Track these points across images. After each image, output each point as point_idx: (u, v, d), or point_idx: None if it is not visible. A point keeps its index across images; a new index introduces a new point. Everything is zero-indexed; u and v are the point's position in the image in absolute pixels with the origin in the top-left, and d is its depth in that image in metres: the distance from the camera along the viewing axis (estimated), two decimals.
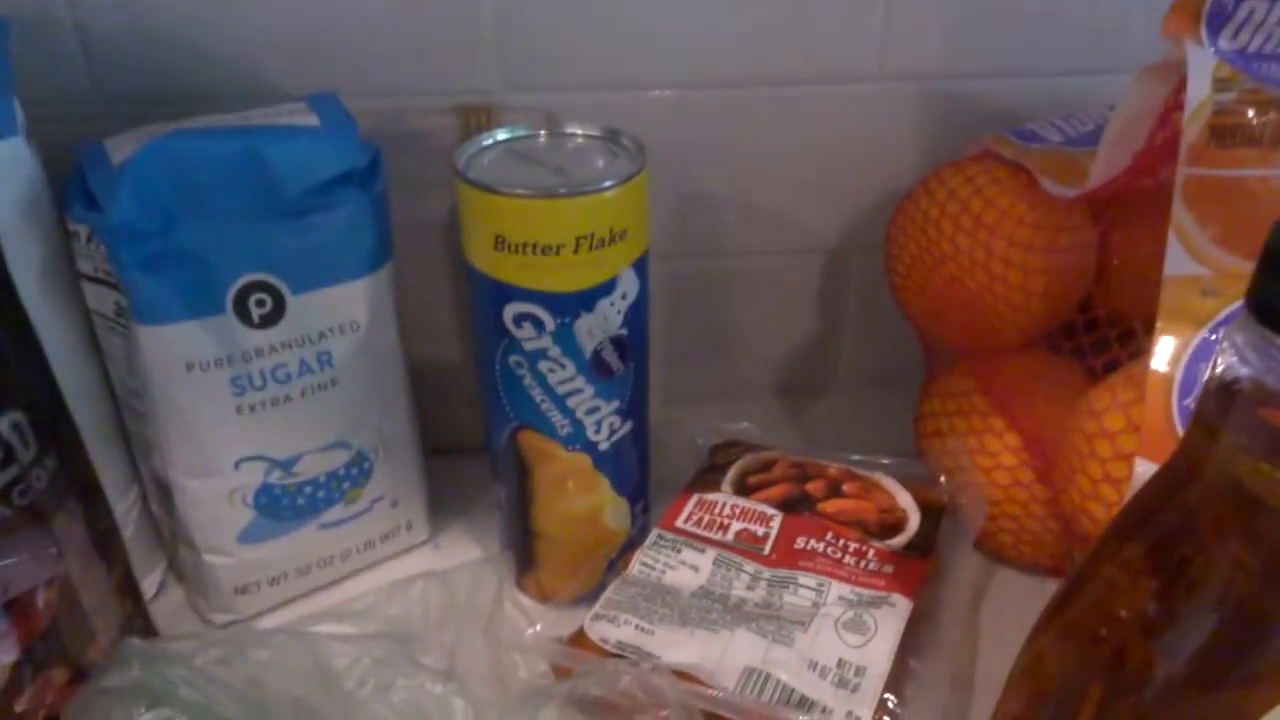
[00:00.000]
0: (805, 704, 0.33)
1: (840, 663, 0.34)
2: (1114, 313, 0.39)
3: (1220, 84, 0.30)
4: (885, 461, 0.45)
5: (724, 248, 0.51)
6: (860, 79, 0.46)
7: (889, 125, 0.47)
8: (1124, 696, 0.27)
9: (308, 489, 0.40)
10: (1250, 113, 0.30)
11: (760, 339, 0.54)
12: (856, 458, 0.45)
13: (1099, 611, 0.27)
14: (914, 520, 0.41)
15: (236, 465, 0.38)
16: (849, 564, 0.39)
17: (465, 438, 0.49)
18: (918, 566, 0.39)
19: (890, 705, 0.33)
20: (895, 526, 0.41)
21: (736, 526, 0.41)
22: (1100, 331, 0.39)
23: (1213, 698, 0.26)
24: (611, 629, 0.36)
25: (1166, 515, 0.26)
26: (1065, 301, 0.40)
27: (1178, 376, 0.33)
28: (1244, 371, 0.23)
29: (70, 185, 0.36)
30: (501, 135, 0.37)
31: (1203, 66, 0.31)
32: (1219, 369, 0.24)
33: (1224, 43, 0.32)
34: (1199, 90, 0.30)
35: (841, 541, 0.40)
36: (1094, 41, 0.46)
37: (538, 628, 0.36)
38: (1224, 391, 0.24)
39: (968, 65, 0.46)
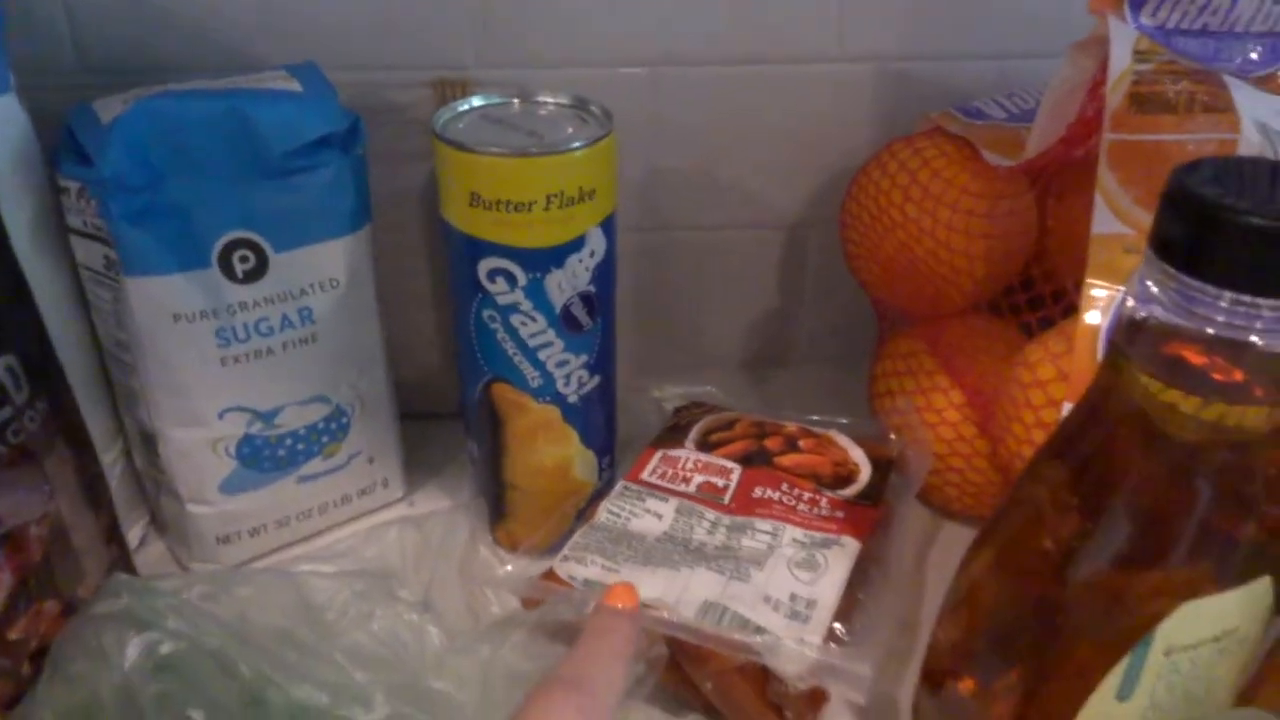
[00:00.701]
0: (759, 632, 0.35)
1: (793, 597, 0.36)
2: (1048, 272, 0.42)
3: (1140, 56, 0.33)
4: (841, 421, 0.47)
5: (690, 221, 0.53)
6: (820, 59, 0.49)
7: (847, 104, 0.50)
8: (1051, 606, 0.29)
9: (288, 441, 0.42)
10: (1167, 82, 0.33)
11: (725, 311, 0.56)
12: (815, 418, 0.48)
13: (1029, 524, 0.30)
14: (865, 472, 0.44)
15: (220, 415, 0.40)
16: (803, 511, 0.41)
17: (439, 403, 0.51)
18: (867, 513, 0.41)
19: (838, 633, 0.35)
20: (847, 478, 0.43)
21: (698, 479, 0.43)
22: (1035, 290, 0.42)
23: (1128, 600, 0.28)
24: (579, 568, 0.38)
25: (1085, 439, 0.29)
26: (1007, 265, 0.43)
27: (1104, 327, 0.35)
28: (1148, 307, 0.26)
29: (60, 143, 0.37)
30: (477, 102, 0.39)
31: (1124, 39, 0.33)
32: (1128, 305, 0.27)
33: (1144, 19, 0.35)
34: (1120, 61, 0.33)
35: (796, 491, 0.42)
36: (1039, 26, 0.49)
37: (509, 568, 0.38)
38: (1132, 326, 0.27)
39: (922, 47, 0.49)
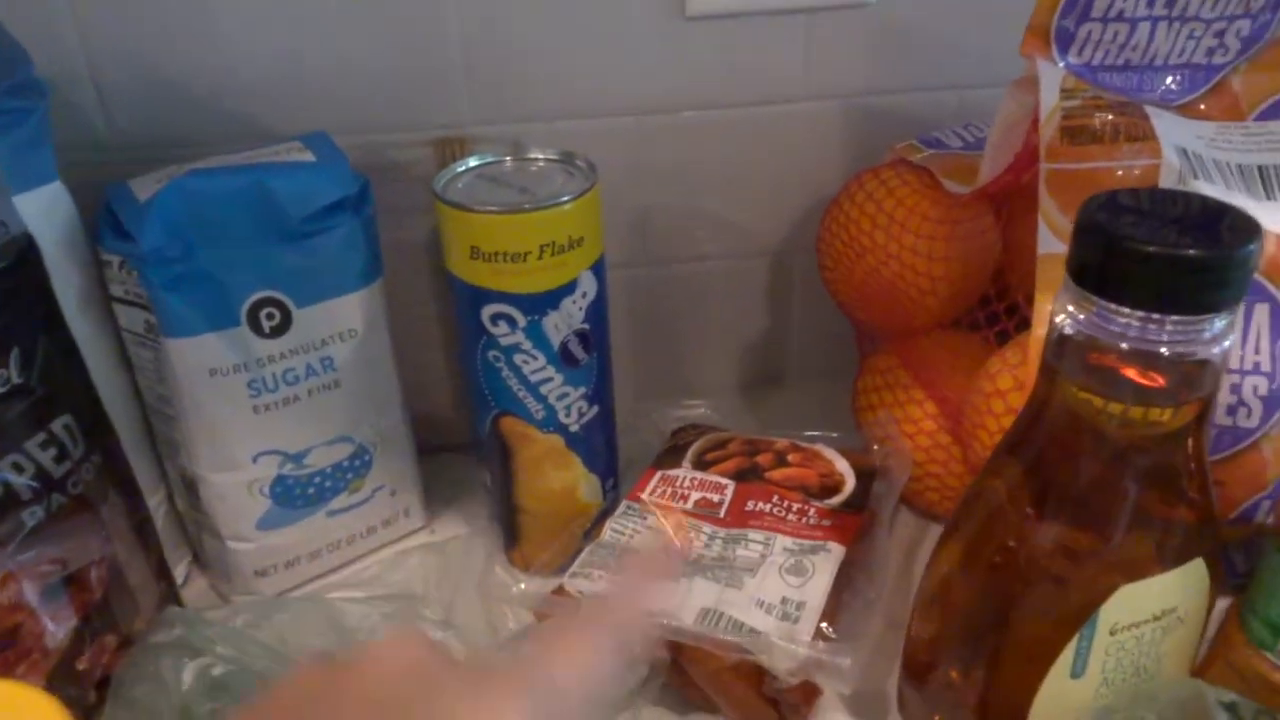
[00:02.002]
0: (753, 634, 0.38)
1: (783, 600, 0.40)
2: (1001, 290, 0.45)
3: (1067, 93, 0.37)
4: (828, 435, 0.51)
5: (679, 254, 0.57)
6: (789, 99, 0.52)
7: (818, 138, 0.54)
8: (1013, 583, 0.32)
9: (316, 479, 0.46)
10: (1093, 115, 0.36)
11: (718, 337, 0.60)
12: (809, 434, 0.51)
13: (989, 518, 0.33)
14: (850, 483, 0.47)
15: (254, 459, 0.44)
16: (792, 520, 0.44)
17: (453, 437, 0.55)
18: (852, 520, 0.44)
19: (825, 631, 0.39)
20: (833, 488, 0.46)
21: (695, 495, 0.46)
22: (997, 305, 0.45)
23: (1075, 584, 0.31)
24: (586, 583, 0.41)
25: (1031, 438, 0.32)
26: (969, 284, 0.46)
27: None
28: (1071, 324, 0.29)
29: (100, 220, 0.41)
30: (473, 162, 0.43)
31: (1051, 80, 0.37)
32: (1055, 323, 0.30)
33: (1072, 58, 0.38)
34: (1049, 99, 0.37)
35: (786, 503, 0.45)
36: (993, 58, 0.52)
37: (523, 586, 0.42)
38: (1059, 341, 0.30)
39: (884, 83, 0.52)
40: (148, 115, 0.48)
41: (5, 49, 0.40)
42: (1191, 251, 0.27)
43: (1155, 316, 0.27)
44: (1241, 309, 0.36)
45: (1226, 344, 0.28)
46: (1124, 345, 0.28)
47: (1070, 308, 0.29)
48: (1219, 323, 0.28)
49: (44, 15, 0.45)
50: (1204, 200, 0.29)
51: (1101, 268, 0.28)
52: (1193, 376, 0.29)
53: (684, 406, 0.57)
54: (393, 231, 0.48)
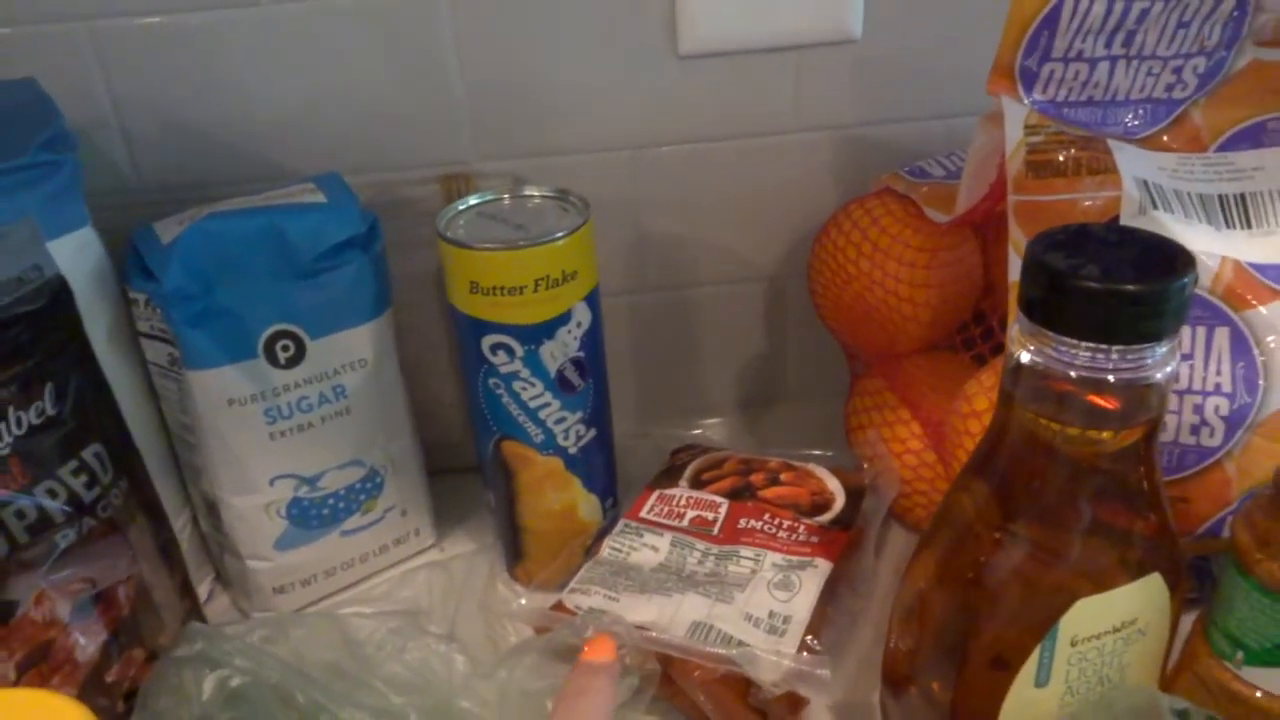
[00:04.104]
0: (741, 647, 0.40)
1: (771, 614, 0.42)
2: (978, 315, 0.47)
3: (1030, 129, 0.38)
4: (820, 453, 0.53)
5: (677, 281, 0.59)
6: (779, 132, 0.54)
7: (808, 169, 0.56)
8: (981, 595, 0.34)
9: (331, 501, 0.48)
10: (1057, 150, 0.38)
11: (715, 359, 0.62)
12: (802, 453, 0.53)
13: (960, 535, 0.35)
14: (840, 500, 0.49)
15: (272, 483, 0.46)
16: (782, 537, 0.46)
17: (461, 459, 0.57)
18: (839, 537, 0.46)
19: (810, 643, 0.40)
20: (824, 506, 0.48)
21: (691, 514, 0.48)
22: (979, 328, 0.47)
23: (1038, 596, 0.33)
24: (584, 598, 0.43)
25: (993, 457, 0.34)
26: (951, 309, 0.48)
27: None
28: (1024, 354, 0.31)
29: (128, 260, 0.44)
30: (473, 200, 0.45)
31: (1016, 116, 0.39)
32: (1010, 352, 0.32)
33: (1037, 95, 0.40)
34: (1014, 135, 0.38)
35: (777, 520, 0.47)
36: (975, 89, 0.54)
37: (523, 601, 0.44)
38: (1015, 369, 0.32)
39: (871, 114, 0.55)
40: (171, 160, 0.51)
41: (39, 105, 0.44)
42: (1130, 286, 0.28)
43: (1101, 346, 0.29)
44: (1204, 334, 0.38)
45: (1170, 368, 0.30)
46: (1073, 373, 0.30)
47: (1023, 339, 0.31)
48: (1161, 349, 0.29)
49: (74, 68, 0.48)
50: (1143, 235, 0.31)
51: (1048, 302, 0.30)
52: (1141, 399, 0.31)
53: (683, 427, 0.59)
54: (403, 263, 0.51)
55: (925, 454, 0.48)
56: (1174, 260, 0.29)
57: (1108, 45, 0.39)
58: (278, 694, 0.37)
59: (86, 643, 0.39)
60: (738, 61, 0.52)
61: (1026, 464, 0.33)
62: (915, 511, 0.50)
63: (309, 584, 0.49)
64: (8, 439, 0.37)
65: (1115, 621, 0.33)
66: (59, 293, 0.39)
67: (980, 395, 0.42)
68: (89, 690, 0.39)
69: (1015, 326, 0.31)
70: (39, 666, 0.38)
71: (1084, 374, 0.30)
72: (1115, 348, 0.29)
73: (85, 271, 0.42)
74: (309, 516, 0.48)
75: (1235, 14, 0.38)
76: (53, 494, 0.38)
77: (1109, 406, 0.31)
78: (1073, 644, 0.33)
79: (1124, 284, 0.28)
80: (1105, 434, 0.31)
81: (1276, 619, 0.32)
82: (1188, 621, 0.37)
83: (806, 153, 0.55)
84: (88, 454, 0.40)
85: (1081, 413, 0.31)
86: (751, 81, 0.53)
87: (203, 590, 0.50)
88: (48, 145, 0.41)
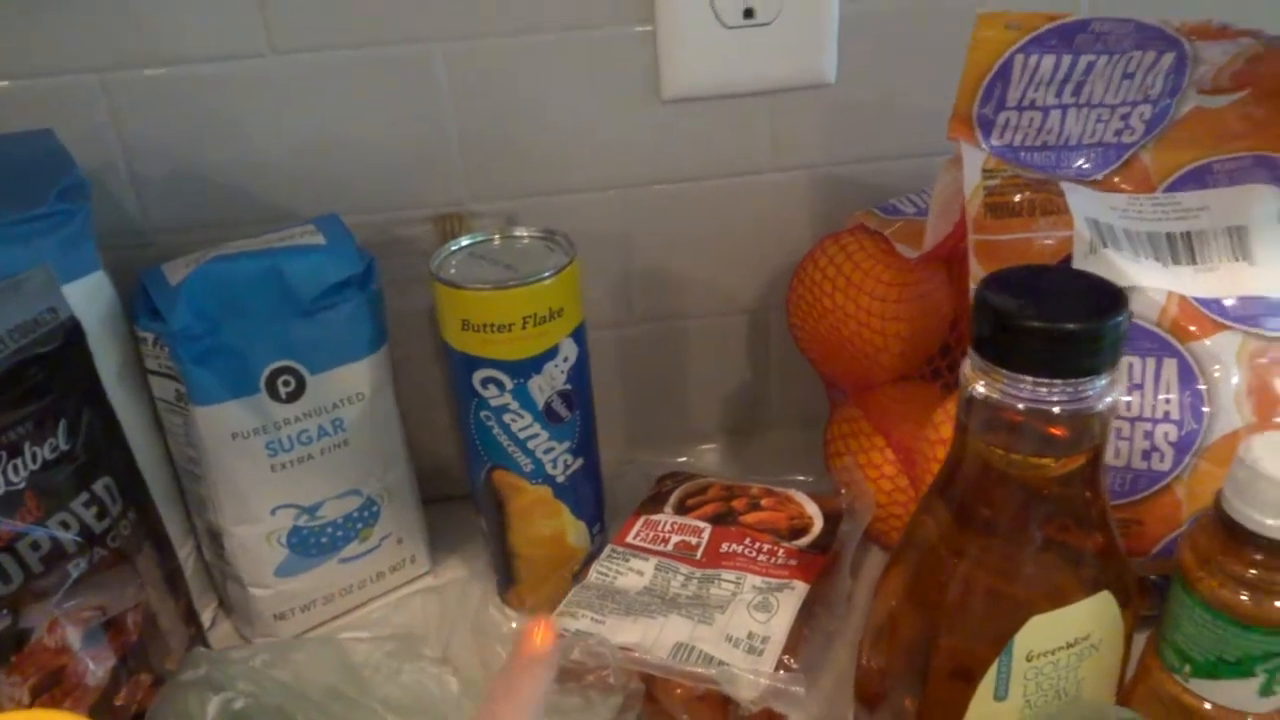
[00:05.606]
0: (721, 666, 0.42)
1: (750, 635, 0.44)
2: (944, 348, 0.49)
3: (988, 173, 0.41)
4: (800, 479, 0.55)
5: (663, 313, 0.61)
6: (757, 171, 0.57)
7: (785, 207, 0.58)
8: (943, 611, 0.36)
9: (329, 529, 0.50)
10: (1012, 192, 0.41)
11: (701, 388, 0.64)
12: (783, 479, 0.55)
13: (924, 554, 0.37)
14: (818, 524, 0.51)
15: (273, 512, 0.48)
16: (762, 561, 0.48)
17: (455, 487, 0.59)
18: (816, 560, 0.48)
19: (787, 662, 0.42)
20: (802, 530, 0.50)
21: (675, 539, 0.50)
22: (935, 364, 0.49)
23: (998, 605, 0.35)
24: (571, 621, 0.45)
25: (953, 482, 0.36)
26: (921, 341, 0.50)
27: None
28: (976, 388, 0.33)
29: (136, 301, 0.47)
30: (465, 242, 0.48)
31: (974, 161, 0.41)
32: (962, 385, 0.34)
33: (994, 140, 0.43)
34: (973, 178, 0.41)
35: (757, 544, 0.49)
36: (944, 129, 0.56)
37: (515, 624, 0.46)
38: (967, 401, 0.34)
39: (843, 154, 0.57)
40: (178, 203, 0.54)
41: (56, 155, 0.46)
42: (1070, 325, 0.31)
43: (1045, 381, 0.32)
44: (1153, 364, 0.40)
45: (1110, 398, 0.32)
46: (1021, 405, 0.32)
47: (974, 374, 0.33)
48: (1101, 382, 0.32)
49: (86, 117, 0.51)
50: (1081, 275, 0.33)
51: (996, 341, 0.32)
52: (1085, 428, 0.33)
53: (669, 454, 0.61)
54: (399, 299, 0.53)
55: (899, 479, 0.50)
56: (1111, 300, 0.31)
57: (1058, 95, 0.41)
58: (279, 716, 0.39)
59: (96, 668, 0.41)
60: (718, 106, 0.55)
61: (982, 488, 0.35)
62: (890, 535, 0.52)
63: (308, 610, 0.51)
64: (24, 474, 0.39)
65: (1069, 637, 0.35)
66: (72, 334, 0.42)
67: (947, 423, 0.44)
68: (98, 713, 0.41)
69: (967, 363, 0.34)
70: (51, 691, 0.40)
71: (1031, 406, 0.32)
72: (1059, 382, 0.31)
73: (97, 313, 0.44)
74: (308, 545, 0.50)
75: (1175, 66, 0.40)
76: (65, 525, 0.40)
77: (1055, 434, 0.33)
78: (1028, 659, 0.35)
79: (1064, 323, 0.31)
80: (1052, 460, 0.33)
81: (1218, 634, 0.34)
82: (1143, 637, 0.39)
83: (784, 191, 0.58)
84: (98, 487, 0.42)
85: (1030, 441, 0.33)
86: (731, 124, 0.56)
87: (206, 617, 0.52)
88: (63, 195, 0.43)
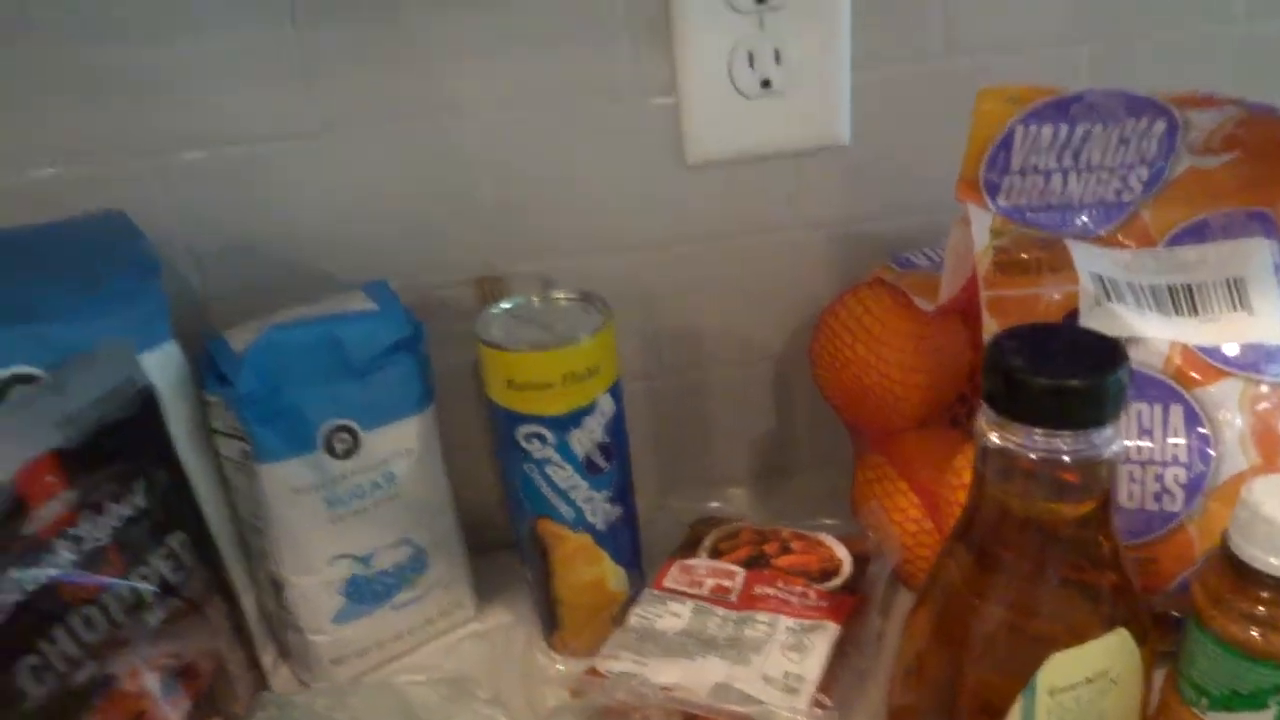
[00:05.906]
0: (759, 704, 0.44)
1: (785, 674, 0.46)
2: (961, 395, 0.51)
3: (995, 233, 0.44)
4: (829, 523, 0.57)
5: (692, 364, 0.64)
6: (779, 229, 0.60)
7: (806, 262, 0.61)
8: (968, 650, 0.38)
9: (382, 577, 0.53)
10: (1020, 251, 0.43)
11: (730, 435, 0.67)
12: (812, 523, 0.57)
13: (949, 595, 0.39)
14: (847, 567, 0.53)
15: (330, 562, 0.51)
16: (795, 603, 0.50)
17: (500, 536, 0.61)
18: (847, 601, 0.50)
19: (822, 700, 0.44)
20: (832, 572, 0.53)
21: (710, 582, 0.53)
22: (953, 411, 0.52)
23: (1020, 644, 0.37)
24: (614, 663, 0.47)
25: (973, 526, 0.38)
26: (940, 389, 0.52)
27: None
28: (989, 438, 0.36)
29: (203, 367, 0.50)
30: (506, 305, 0.51)
31: (982, 223, 0.44)
32: (978, 436, 0.37)
33: (1001, 202, 0.45)
34: (981, 239, 0.44)
35: (790, 587, 0.51)
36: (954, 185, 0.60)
37: (560, 667, 0.48)
38: (983, 451, 0.37)
39: (861, 210, 0.60)
40: (236, 274, 0.57)
41: (128, 234, 0.50)
42: (1075, 382, 0.33)
43: (1054, 432, 0.34)
44: (1160, 411, 0.43)
45: (1115, 446, 0.35)
46: (1033, 455, 0.35)
47: (988, 426, 0.36)
48: (1106, 431, 0.34)
49: (148, 198, 0.55)
50: (1085, 332, 0.36)
51: (1007, 396, 0.34)
52: (1094, 474, 0.35)
53: (701, 499, 0.63)
54: (443, 358, 0.56)
55: (924, 522, 0.52)
56: (1111, 355, 0.34)
57: (1059, 160, 0.44)
58: None
59: (174, 712, 0.44)
60: (739, 169, 0.58)
61: (1000, 532, 0.37)
62: (917, 576, 0.54)
63: (363, 655, 0.54)
64: (108, 530, 0.42)
65: (1089, 673, 0.37)
66: (148, 401, 0.45)
67: (967, 469, 0.46)
68: None
69: (981, 416, 0.36)
70: None
71: (1042, 455, 0.35)
72: (1067, 433, 0.34)
73: (168, 380, 0.48)
74: (363, 593, 0.53)
75: (1167, 132, 0.43)
76: (145, 578, 0.43)
77: (1067, 480, 0.35)
78: (1051, 694, 0.37)
79: (1069, 380, 0.33)
80: (1065, 505, 0.35)
81: (1231, 668, 0.36)
82: (1164, 673, 0.41)
83: (804, 247, 0.61)
84: (173, 541, 0.45)
85: (1043, 487, 0.35)
86: (753, 186, 0.59)
87: (266, 663, 0.55)
88: (138, 271, 0.47)
